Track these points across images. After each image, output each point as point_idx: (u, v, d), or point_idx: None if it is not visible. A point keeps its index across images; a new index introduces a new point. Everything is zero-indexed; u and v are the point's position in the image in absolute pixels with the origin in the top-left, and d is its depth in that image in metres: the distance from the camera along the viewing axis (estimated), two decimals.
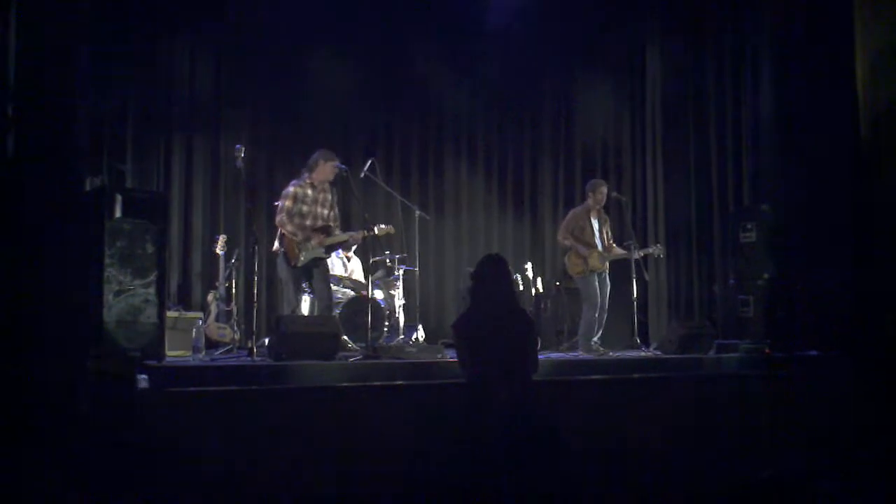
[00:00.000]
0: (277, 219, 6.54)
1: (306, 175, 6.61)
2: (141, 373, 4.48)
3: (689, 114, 9.69)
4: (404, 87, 9.59)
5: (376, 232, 6.64)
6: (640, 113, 10.36)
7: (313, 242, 6.48)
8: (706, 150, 9.49)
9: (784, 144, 7.98)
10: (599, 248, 7.46)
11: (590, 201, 7.57)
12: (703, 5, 9.47)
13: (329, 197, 6.69)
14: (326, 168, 6.56)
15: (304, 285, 6.74)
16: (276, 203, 6.78)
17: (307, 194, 6.57)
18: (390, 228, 6.80)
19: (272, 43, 8.81)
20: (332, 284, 6.93)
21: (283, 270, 6.60)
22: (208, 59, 8.75)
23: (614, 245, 7.66)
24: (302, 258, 6.47)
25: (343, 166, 6.65)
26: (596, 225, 7.54)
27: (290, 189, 6.57)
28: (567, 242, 7.48)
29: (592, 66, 10.23)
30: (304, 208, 6.55)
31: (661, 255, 7.87)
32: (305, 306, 7.15)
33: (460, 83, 9.83)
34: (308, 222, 6.54)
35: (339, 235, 6.71)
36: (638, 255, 7.66)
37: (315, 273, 6.59)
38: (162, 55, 8.44)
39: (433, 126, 9.97)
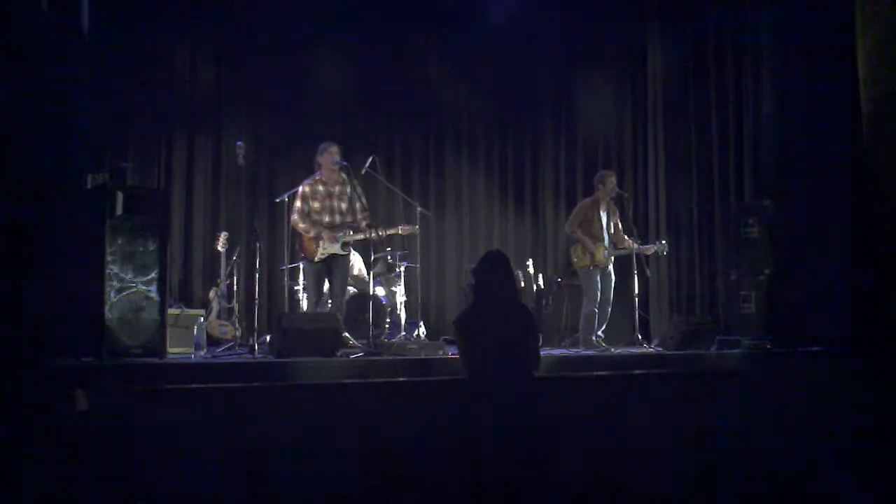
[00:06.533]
0: (291, 219, 6.65)
1: (318, 173, 6.65)
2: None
3: (691, 109, 9.67)
4: (405, 84, 9.58)
5: (400, 232, 6.74)
6: (641, 109, 10.34)
7: (324, 237, 6.49)
8: (707, 145, 9.47)
9: (785, 139, 7.95)
10: (607, 241, 7.45)
11: (599, 193, 7.53)
12: (704, 0, 9.45)
13: (347, 189, 6.64)
14: (325, 158, 6.59)
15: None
16: (277, 200, 6.75)
17: (318, 191, 6.60)
18: (415, 229, 6.87)
19: (273, 40, 8.80)
20: None
21: (304, 266, 6.75)
22: (209, 55, 8.76)
23: (624, 237, 7.61)
24: (320, 253, 6.51)
25: (344, 162, 6.65)
26: (605, 217, 7.51)
27: (300, 189, 6.64)
28: (575, 235, 7.46)
29: (593, 61, 10.21)
30: (316, 205, 6.59)
31: (665, 253, 7.82)
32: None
33: (461, 80, 9.83)
34: (326, 218, 6.59)
35: (356, 235, 6.61)
36: (643, 251, 7.60)
37: (334, 272, 6.61)
38: (163, 52, 8.44)
39: (434, 123, 9.96)
